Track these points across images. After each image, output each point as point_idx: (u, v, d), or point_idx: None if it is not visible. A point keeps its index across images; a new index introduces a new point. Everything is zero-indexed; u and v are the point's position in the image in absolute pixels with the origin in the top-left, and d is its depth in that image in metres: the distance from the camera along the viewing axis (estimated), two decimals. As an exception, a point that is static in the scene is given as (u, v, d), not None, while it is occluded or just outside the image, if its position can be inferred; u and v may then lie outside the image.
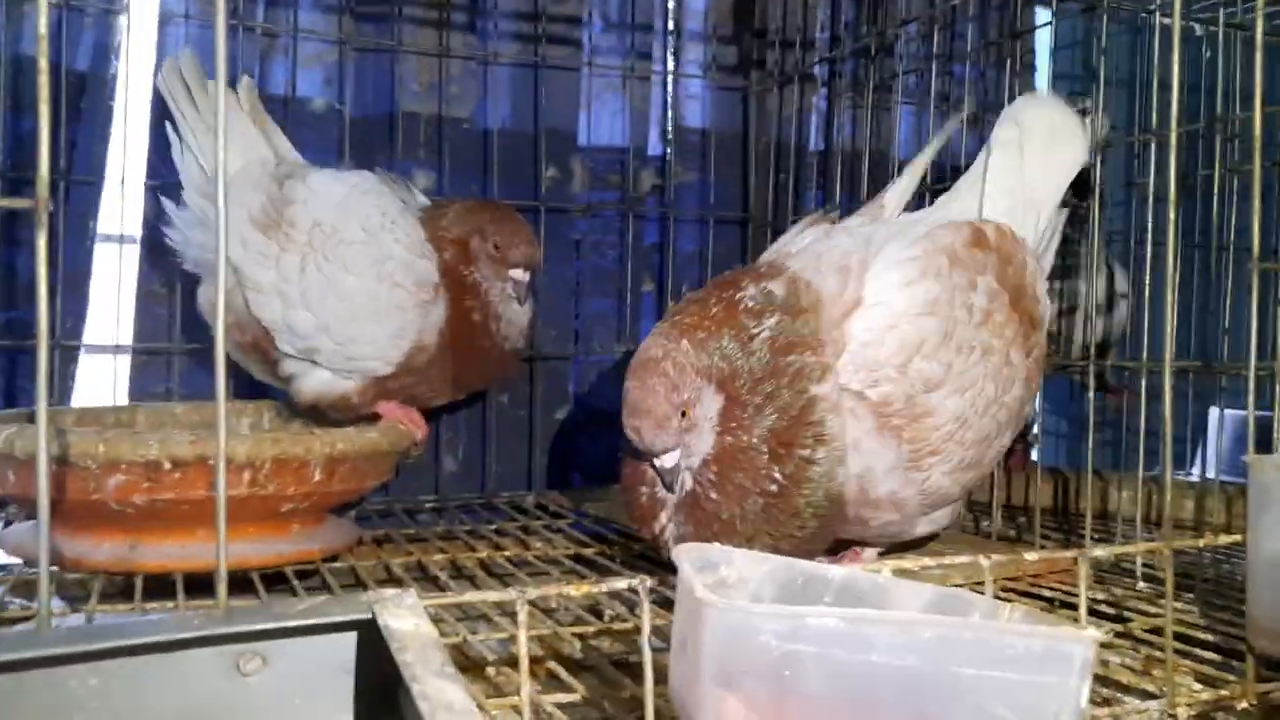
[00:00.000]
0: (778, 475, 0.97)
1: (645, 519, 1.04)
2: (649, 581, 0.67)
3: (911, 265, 1.03)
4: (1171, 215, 0.81)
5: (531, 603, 1.05)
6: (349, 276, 1.33)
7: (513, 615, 1.02)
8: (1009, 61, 1.55)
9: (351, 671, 0.59)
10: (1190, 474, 1.74)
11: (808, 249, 1.09)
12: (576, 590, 0.69)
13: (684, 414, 0.97)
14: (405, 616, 0.56)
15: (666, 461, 0.98)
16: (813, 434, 0.98)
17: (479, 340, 1.41)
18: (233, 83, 1.52)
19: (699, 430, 0.98)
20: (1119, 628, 1.00)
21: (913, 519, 1.08)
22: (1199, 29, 1.64)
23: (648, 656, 0.64)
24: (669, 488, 0.99)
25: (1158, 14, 1.38)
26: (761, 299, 1.01)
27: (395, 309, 1.35)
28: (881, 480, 1.01)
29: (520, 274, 1.41)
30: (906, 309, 1.01)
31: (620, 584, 0.69)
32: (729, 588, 0.69)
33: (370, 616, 0.57)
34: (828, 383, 0.99)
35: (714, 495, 0.98)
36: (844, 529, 1.06)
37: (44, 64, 0.52)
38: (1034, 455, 1.79)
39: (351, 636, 0.58)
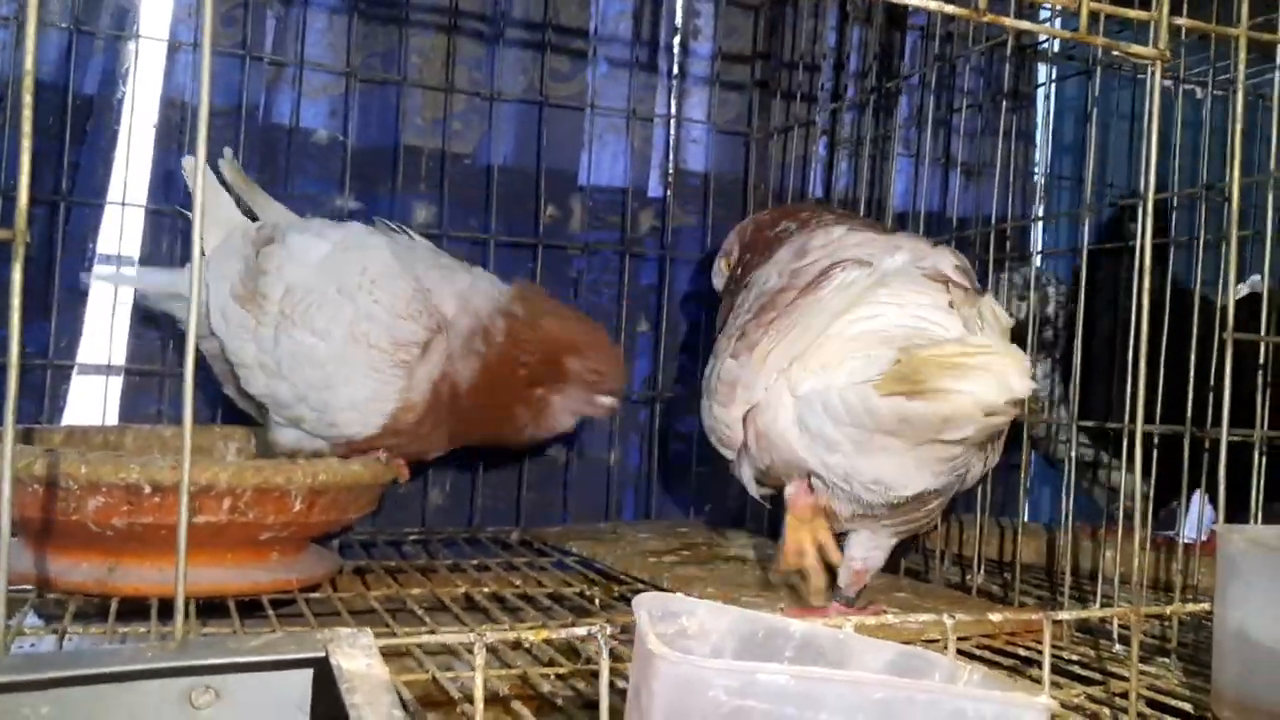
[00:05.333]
0: None
1: None
2: (609, 629, 0.67)
3: None
4: (1145, 283, 0.81)
5: (506, 642, 1.06)
6: (319, 342, 1.29)
7: (491, 652, 1.03)
8: (1010, 118, 1.56)
9: (306, 709, 0.60)
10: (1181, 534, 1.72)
11: None
12: (536, 635, 0.69)
13: None
14: (358, 656, 0.57)
15: None
16: None
17: (504, 429, 1.38)
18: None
19: None
20: (1090, 690, 1.00)
21: None
22: (1200, 91, 1.65)
23: (604, 705, 0.65)
24: None
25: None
26: None
27: (370, 371, 1.29)
28: None
29: (612, 402, 1.40)
30: None
31: (580, 630, 0.69)
32: (690, 639, 0.69)
33: (324, 654, 0.58)
34: None
35: None
36: None
37: (28, 106, 0.53)
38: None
39: (306, 674, 0.59)
